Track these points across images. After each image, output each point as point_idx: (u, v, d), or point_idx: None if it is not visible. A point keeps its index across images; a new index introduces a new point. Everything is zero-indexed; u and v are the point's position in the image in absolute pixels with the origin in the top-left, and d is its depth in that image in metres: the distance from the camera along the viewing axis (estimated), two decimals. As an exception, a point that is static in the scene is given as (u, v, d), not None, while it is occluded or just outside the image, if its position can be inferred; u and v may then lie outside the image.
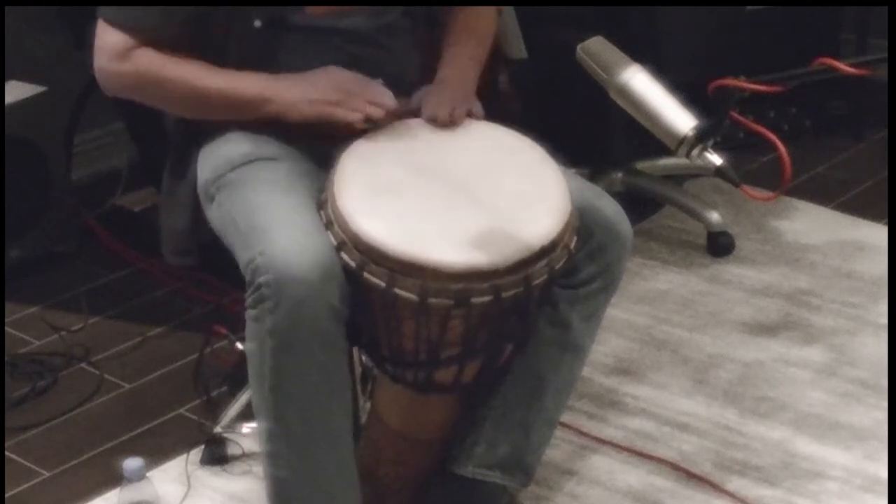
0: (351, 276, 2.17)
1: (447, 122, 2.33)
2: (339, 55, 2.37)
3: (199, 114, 2.38)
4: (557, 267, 2.21)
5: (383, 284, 2.14)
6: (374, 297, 2.18)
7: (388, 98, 2.32)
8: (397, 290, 2.14)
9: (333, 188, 2.22)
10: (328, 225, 2.19)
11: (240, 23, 2.34)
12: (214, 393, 2.90)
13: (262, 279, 2.14)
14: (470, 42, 2.48)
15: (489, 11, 2.55)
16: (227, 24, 2.34)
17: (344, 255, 2.16)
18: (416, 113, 2.37)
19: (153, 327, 3.29)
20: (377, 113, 2.30)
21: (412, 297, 2.14)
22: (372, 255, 2.15)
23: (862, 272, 3.44)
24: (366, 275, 2.15)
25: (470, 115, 2.37)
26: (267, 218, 2.22)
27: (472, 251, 2.14)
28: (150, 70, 2.33)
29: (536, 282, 2.19)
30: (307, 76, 2.33)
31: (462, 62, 2.45)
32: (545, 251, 2.18)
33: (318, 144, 2.37)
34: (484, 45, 2.51)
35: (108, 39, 2.34)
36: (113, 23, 2.33)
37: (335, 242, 2.17)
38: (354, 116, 2.29)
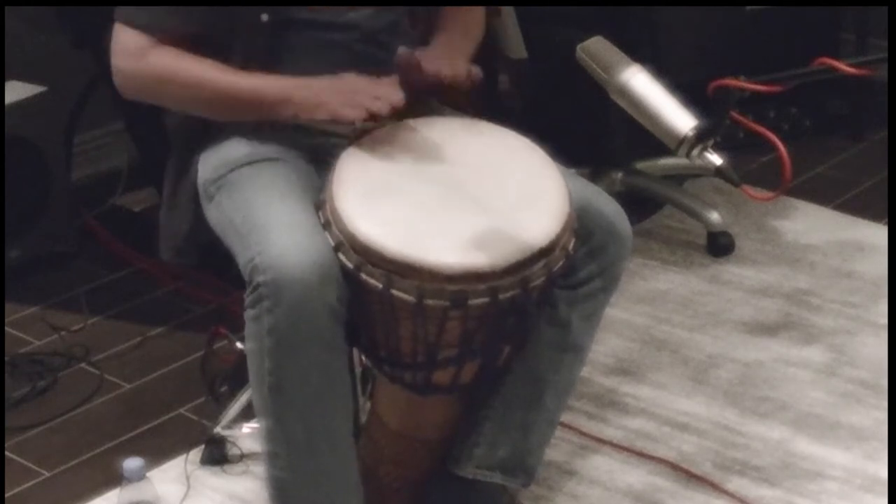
0: (349, 277, 2.17)
1: (455, 77, 2.32)
2: (342, 52, 2.38)
3: (215, 114, 2.38)
4: (555, 269, 2.21)
5: (380, 285, 2.14)
6: (372, 298, 2.17)
7: (394, 94, 2.29)
8: (394, 292, 2.14)
9: (332, 189, 2.22)
10: (326, 225, 2.19)
11: (246, 19, 2.34)
12: (212, 395, 2.90)
13: (260, 279, 2.14)
14: (456, 32, 2.48)
15: (477, 11, 2.55)
16: (233, 21, 2.34)
17: (342, 256, 2.16)
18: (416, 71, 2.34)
19: (153, 327, 3.29)
20: (381, 108, 2.27)
21: (409, 298, 2.14)
22: (369, 256, 2.15)
23: (862, 272, 3.44)
24: (363, 276, 2.15)
25: (470, 76, 2.34)
26: (266, 218, 2.22)
27: (470, 252, 2.14)
28: (170, 70, 2.33)
29: (534, 283, 2.18)
30: (323, 80, 2.32)
31: (451, 42, 2.44)
32: (543, 253, 2.18)
33: (318, 141, 2.37)
34: (470, 37, 2.50)
35: (125, 39, 2.34)
36: (131, 24, 2.33)
37: (333, 243, 2.17)
38: (356, 113, 2.28)
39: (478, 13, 2.56)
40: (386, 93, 2.28)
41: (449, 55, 2.38)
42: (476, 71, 2.36)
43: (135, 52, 2.34)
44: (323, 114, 2.29)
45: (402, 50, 2.33)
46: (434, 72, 2.31)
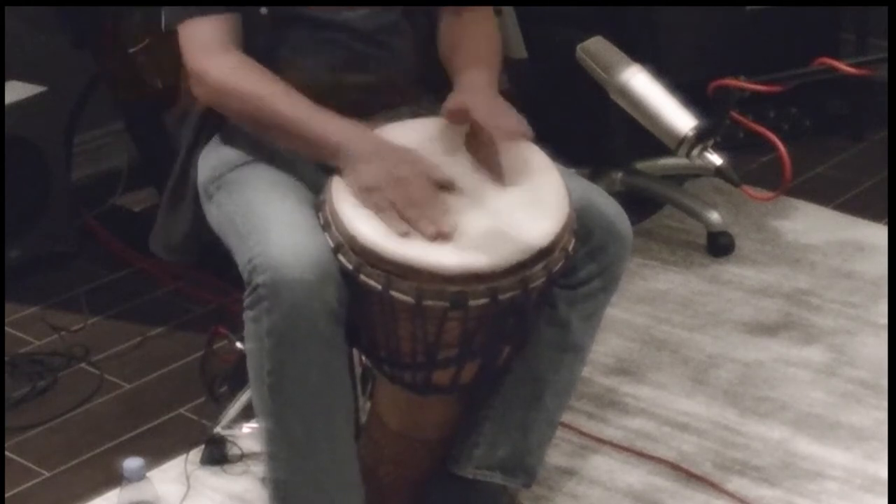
0: (348, 278, 2.16)
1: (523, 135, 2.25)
2: (340, 51, 2.37)
3: (266, 132, 2.32)
4: (555, 270, 2.21)
5: (380, 287, 2.14)
6: (372, 299, 2.17)
7: (447, 225, 2.16)
8: (394, 293, 2.14)
9: (332, 189, 2.22)
10: (326, 226, 2.19)
11: (246, 14, 2.33)
12: (212, 395, 2.90)
13: (259, 280, 2.14)
14: (481, 62, 2.40)
15: (494, 33, 2.50)
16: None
17: (341, 257, 2.16)
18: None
19: (153, 327, 3.29)
20: (430, 235, 2.16)
21: (408, 299, 2.14)
22: (368, 257, 2.14)
23: (862, 272, 3.44)
24: (362, 277, 2.15)
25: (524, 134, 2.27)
26: (265, 219, 2.22)
27: (469, 253, 2.14)
28: (234, 76, 2.29)
29: (533, 284, 2.18)
30: (387, 155, 2.21)
31: (484, 81, 2.36)
32: (542, 254, 2.17)
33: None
34: (492, 53, 2.45)
35: (194, 38, 2.32)
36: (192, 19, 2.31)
37: (333, 244, 2.17)
38: (403, 228, 2.16)
39: (488, 25, 2.50)
40: (443, 219, 2.16)
41: (491, 100, 2.30)
42: (528, 132, 2.27)
43: (207, 46, 2.31)
44: (369, 198, 2.19)
45: (450, 104, 2.28)
46: (491, 129, 2.24)
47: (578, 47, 2.08)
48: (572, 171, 2.39)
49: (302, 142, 2.28)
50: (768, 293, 3.37)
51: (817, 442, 2.84)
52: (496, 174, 2.27)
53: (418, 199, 2.17)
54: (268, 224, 2.20)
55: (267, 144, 2.36)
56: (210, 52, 2.31)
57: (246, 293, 2.18)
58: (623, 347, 3.16)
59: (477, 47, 2.43)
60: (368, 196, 2.18)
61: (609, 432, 2.87)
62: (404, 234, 2.15)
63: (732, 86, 1.91)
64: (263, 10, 2.33)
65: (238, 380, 2.75)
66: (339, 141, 2.24)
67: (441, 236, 2.15)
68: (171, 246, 2.50)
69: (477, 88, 2.33)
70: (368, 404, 2.56)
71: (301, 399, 2.21)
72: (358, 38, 2.40)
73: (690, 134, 1.96)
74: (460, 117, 2.27)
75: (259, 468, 2.71)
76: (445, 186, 2.22)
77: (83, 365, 3.16)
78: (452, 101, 2.29)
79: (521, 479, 2.49)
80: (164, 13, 2.35)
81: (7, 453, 2.87)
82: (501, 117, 2.25)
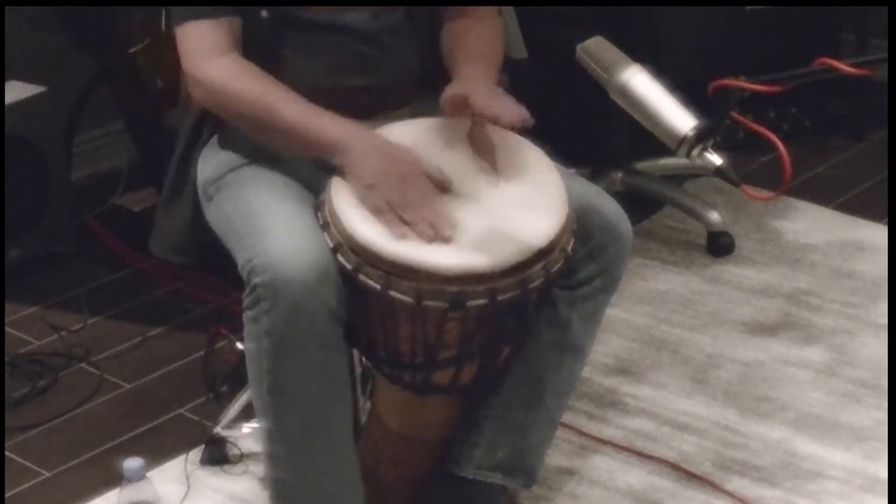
0: (347, 278, 2.16)
1: (517, 120, 2.19)
2: (342, 52, 2.37)
3: (266, 141, 2.32)
4: (554, 270, 2.20)
5: (378, 287, 2.14)
6: (371, 299, 2.17)
7: (447, 227, 2.16)
8: (393, 293, 2.14)
9: (331, 190, 2.22)
10: (325, 226, 2.19)
11: (246, 16, 2.33)
12: (212, 395, 2.90)
13: (258, 280, 2.14)
14: (483, 61, 2.38)
15: (497, 33, 2.48)
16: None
17: (340, 257, 2.16)
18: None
19: (153, 327, 3.29)
20: (429, 237, 2.15)
21: (407, 299, 2.14)
22: (367, 257, 2.14)
23: (862, 272, 3.44)
24: (361, 277, 2.15)
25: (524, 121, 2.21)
26: (264, 220, 2.22)
27: (468, 253, 2.14)
28: (232, 79, 2.29)
29: (533, 285, 2.18)
30: (387, 153, 2.22)
31: (486, 73, 2.34)
32: (542, 254, 2.17)
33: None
34: (495, 65, 2.42)
35: (194, 40, 2.31)
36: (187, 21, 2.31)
37: (332, 244, 2.17)
38: (401, 230, 2.15)
39: (492, 25, 2.49)
40: (442, 223, 2.16)
41: (491, 90, 2.27)
42: (528, 118, 2.21)
43: (206, 51, 2.30)
44: (369, 199, 2.18)
45: (449, 93, 2.26)
46: (492, 116, 2.21)
47: (578, 47, 2.08)
48: (572, 171, 2.39)
49: (302, 144, 2.28)
50: (768, 293, 3.37)
51: (817, 442, 2.84)
52: (496, 173, 2.27)
53: (415, 199, 2.17)
54: (266, 225, 2.20)
55: (266, 146, 2.37)
56: (209, 55, 2.30)
57: (245, 294, 2.18)
58: (623, 347, 3.16)
59: (479, 43, 2.42)
60: (367, 194, 2.18)
61: (609, 432, 2.87)
62: (402, 237, 2.14)
63: (732, 86, 1.91)
64: (264, 12, 2.33)
65: (238, 380, 2.75)
66: (338, 140, 2.24)
67: (439, 239, 2.15)
68: (171, 246, 2.50)
69: (476, 78, 2.31)
70: (368, 404, 2.56)
71: (301, 399, 2.21)
72: (359, 39, 2.40)
73: (690, 134, 1.96)
74: (459, 105, 2.26)
75: (259, 468, 2.71)
76: (444, 187, 2.22)
77: (83, 365, 3.16)
78: (451, 90, 2.28)
79: (520, 480, 2.49)
80: (166, 13, 2.34)
81: (7, 453, 2.87)
82: (501, 104, 2.23)
